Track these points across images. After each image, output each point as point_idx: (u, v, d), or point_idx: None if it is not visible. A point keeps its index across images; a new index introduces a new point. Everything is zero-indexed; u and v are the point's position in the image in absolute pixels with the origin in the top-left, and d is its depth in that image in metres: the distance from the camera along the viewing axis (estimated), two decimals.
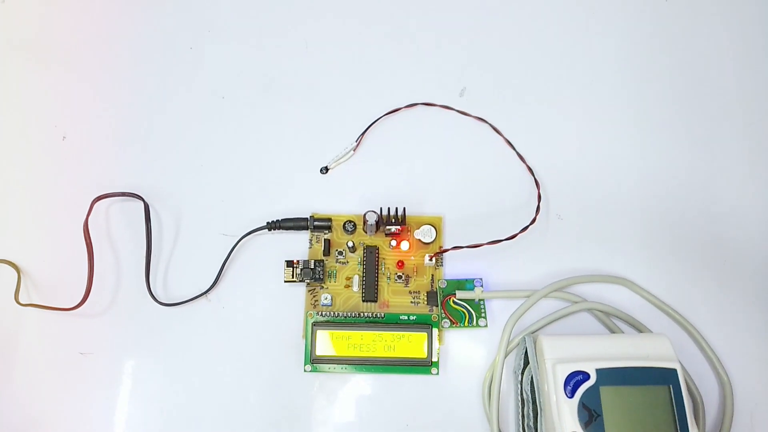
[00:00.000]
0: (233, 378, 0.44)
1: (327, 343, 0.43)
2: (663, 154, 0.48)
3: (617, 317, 0.44)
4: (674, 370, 0.37)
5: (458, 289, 0.44)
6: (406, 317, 0.44)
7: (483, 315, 0.44)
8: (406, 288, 0.45)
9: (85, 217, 0.44)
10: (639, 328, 0.44)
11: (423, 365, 0.43)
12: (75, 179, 0.48)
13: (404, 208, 0.45)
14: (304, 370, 0.43)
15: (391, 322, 0.44)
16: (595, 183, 0.48)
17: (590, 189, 0.48)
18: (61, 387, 0.44)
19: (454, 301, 0.45)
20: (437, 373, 0.43)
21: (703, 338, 0.43)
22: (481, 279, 0.45)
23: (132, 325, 0.45)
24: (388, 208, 0.45)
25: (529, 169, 0.48)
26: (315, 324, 0.43)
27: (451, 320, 0.44)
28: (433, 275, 0.45)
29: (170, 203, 0.48)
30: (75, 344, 0.44)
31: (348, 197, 0.47)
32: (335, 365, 0.43)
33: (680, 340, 0.44)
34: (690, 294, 0.45)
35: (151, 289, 0.45)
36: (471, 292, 0.44)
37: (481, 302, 0.45)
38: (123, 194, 0.47)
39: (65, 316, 0.45)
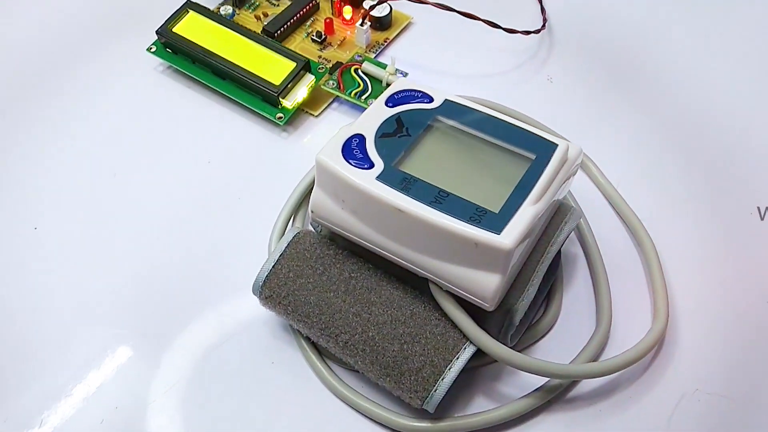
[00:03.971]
0: None
1: (194, 27, 0.34)
2: None
3: None
4: (555, 146, 0.23)
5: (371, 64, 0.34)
6: (287, 49, 0.34)
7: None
8: (319, 51, 0.36)
9: None
10: None
11: (271, 97, 0.32)
12: None
13: None
14: (148, 49, 0.35)
15: (268, 44, 0.34)
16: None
17: None
18: None
19: (356, 70, 0.34)
20: (283, 123, 0.32)
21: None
22: (407, 73, 0.35)
23: None
24: None
25: None
26: (190, 2, 0.35)
27: (339, 84, 0.34)
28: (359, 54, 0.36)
29: None
30: None
31: None
32: (185, 59, 0.34)
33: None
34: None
35: None
36: (381, 70, 0.34)
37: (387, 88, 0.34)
38: None
39: None
